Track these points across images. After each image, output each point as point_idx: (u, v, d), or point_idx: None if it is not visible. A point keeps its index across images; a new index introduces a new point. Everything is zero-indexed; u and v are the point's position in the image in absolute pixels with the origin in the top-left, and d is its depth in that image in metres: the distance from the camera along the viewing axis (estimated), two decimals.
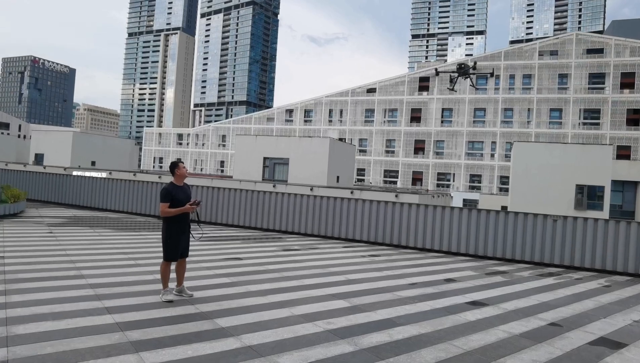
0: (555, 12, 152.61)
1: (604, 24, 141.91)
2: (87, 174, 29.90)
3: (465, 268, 10.69)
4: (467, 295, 7.91)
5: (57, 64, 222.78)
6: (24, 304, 5.69)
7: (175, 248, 6.30)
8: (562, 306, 7.57)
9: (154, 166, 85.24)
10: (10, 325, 4.92)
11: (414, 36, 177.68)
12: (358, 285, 8.08)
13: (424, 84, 66.69)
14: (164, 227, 6.36)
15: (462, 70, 22.54)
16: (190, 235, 6.59)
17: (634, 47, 57.38)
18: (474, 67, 23.18)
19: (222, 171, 78.44)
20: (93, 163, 43.17)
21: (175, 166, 6.42)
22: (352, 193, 27.01)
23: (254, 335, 5.14)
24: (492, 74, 26.18)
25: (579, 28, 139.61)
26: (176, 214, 6.22)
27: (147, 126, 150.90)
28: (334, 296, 7.17)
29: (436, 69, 27.85)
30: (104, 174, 32.12)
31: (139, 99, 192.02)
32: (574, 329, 6.30)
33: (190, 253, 9.96)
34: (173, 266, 6.48)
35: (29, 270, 7.58)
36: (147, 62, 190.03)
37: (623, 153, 55.97)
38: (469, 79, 24.16)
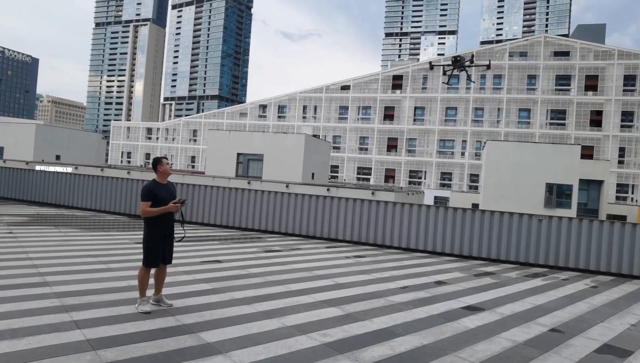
0: (524, 15, 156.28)
1: (569, 27, 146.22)
2: (52, 169, 28.43)
3: (452, 269, 10.43)
4: (461, 299, 7.60)
5: (19, 53, 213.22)
6: None
7: (157, 253, 5.71)
8: (557, 310, 7.35)
9: (122, 161, 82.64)
10: None
11: (387, 34, 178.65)
12: (348, 290, 7.65)
13: (397, 82, 67.01)
14: (145, 229, 5.77)
15: (458, 63, 22.33)
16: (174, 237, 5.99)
17: (597, 51, 59.21)
18: (471, 60, 23.02)
19: (193, 166, 76.74)
20: (58, 157, 41.29)
21: (158, 162, 5.84)
22: (328, 190, 26.63)
23: (245, 352, 4.63)
24: (488, 67, 26.36)
25: (546, 30, 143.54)
26: (158, 214, 5.62)
27: (115, 120, 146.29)
28: (325, 303, 6.72)
29: (430, 63, 27.75)
30: (69, 169, 30.64)
31: (107, 92, 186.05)
32: (576, 335, 6.06)
33: None
34: (153, 272, 5.88)
35: None
36: (116, 54, 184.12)
37: (586, 152, 57.71)
38: (464, 72, 24.13)
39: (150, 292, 5.98)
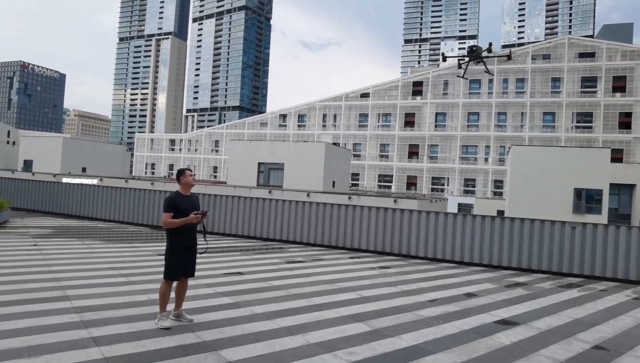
0: (546, 17, 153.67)
1: (594, 29, 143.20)
2: (77, 181, 28.93)
3: (482, 280, 10.00)
4: (493, 313, 7.21)
5: (47, 69, 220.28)
6: None
7: (178, 265, 5.56)
8: (599, 325, 6.89)
9: (145, 173, 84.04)
10: None
11: (407, 41, 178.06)
12: (373, 304, 7.34)
13: (417, 88, 66.45)
14: (167, 241, 5.64)
15: (474, 53, 21.37)
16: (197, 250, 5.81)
17: (625, 51, 57.54)
18: (489, 50, 21.88)
19: (215, 176, 77.47)
20: (84, 169, 42.15)
21: (181, 173, 5.74)
22: (349, 198, 26.34)
23: None
24: (509, 57, 25.12)
25: (570, 32, 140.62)
26: (180, 225, 5.47)
27: (139, 132, 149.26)
28: (350, 318, 6.43)
29: (443, 54, 26.77)
30: (94, 181, 31.17)
31: (131, 105, 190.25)
32: (623, 353, 5.62)
33: None
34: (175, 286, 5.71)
35: (6, 291, 6.74)
36: (139, 67, 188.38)
37: (616, 156, 55.95)
38: (482, 64, 22.86)
39: (170, 307, 5.81)
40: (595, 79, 58.53)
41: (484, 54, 20.30)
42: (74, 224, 15.78)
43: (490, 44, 19.79)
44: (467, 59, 20.19)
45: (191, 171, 5.85)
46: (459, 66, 21.79)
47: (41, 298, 6.48)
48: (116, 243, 12.24)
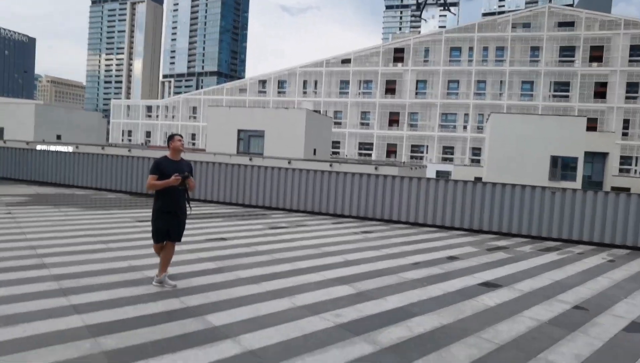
0: None
1: None
2: (52, 148, 28.03)
3: (464, 244, 10.13)
4: (476, 275, 7.30)
5: (15, 32, 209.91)
6: None
7: (159, 229, 5.60)
8: (578, 286, 7.05)
9: (122, 140, 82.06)
10: None
11: (388, 7, 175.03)
12: (358, 267, 7.35)
13: (398, 55, 65.68)
14: (153, 204, 5.72)
15: None
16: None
17: (603, 21, 57.72)
18: None
19: (193, 144, 76.17)
20: (58, 137, 40.87)
21: (170, 138, 5.75)
22: (331, 165, 26.25)
23: (255, 336, 4.33)
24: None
25: (550, 1, 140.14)
26: (161, 187, 5.49)
27: (115, 98, 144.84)
28: (336, 281, 6.42)
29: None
30: (70, 149, 30.24)
31: (106, 71, 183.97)
32: (602, 313, 5.76)
33: None
34: None
35: None
36: (113, 32, 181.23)
37: (590, 125, 57.03)
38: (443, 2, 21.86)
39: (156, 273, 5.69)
40: (573, 48, 58.75)
41: None
42: (49, 192, 15.31)
43: None
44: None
45: (181, 136, 5.80)
46: (418, 6, 20.50)
47: (17, 266, 6.26)
48: (94, 210, 11.93)
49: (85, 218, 10.58)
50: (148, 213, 11.83)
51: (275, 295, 5.64)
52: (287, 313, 5.04)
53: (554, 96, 59.46)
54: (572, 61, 58.66)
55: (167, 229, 5.59)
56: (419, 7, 18.63)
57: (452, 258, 8.56)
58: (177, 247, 7.68)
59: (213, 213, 12.71)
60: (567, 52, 59.18)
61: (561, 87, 59.56)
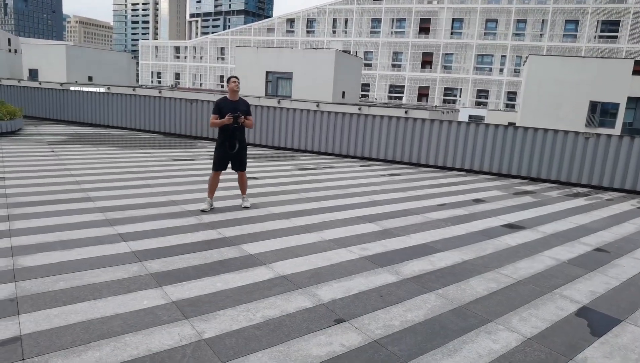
0: None
1: None
2: (85, 89, 28.67)
3: (490, 188, 10.18)
4: (500, 217, 7.44)
5: None
6: (29, 231, 5.18)
7: (218, 159, 6.51)
8: (602, 230, 7.12)
9: (152, 81, 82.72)
10: (16, 255, 4.44)
11: None
12: (384, 207, 7.58)
13: None
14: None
15: None
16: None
17: None
18: None
19: (222, 86, 76.13)
20: (90, 78, 41.60)
21: (228, 80, 6.48)
22: (360, 109, 26.02)
23: (286, 264, 4.68)
24: None
25: None
26: (218, 125, 6.36)
27: (143, 39, 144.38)
28: (362, 219, 6.69)
29: None
30: (102, 90, 30.86)
31: (132, 10, 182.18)
32: (623, 256, 5.87)
33: (202, 172, 9.46)
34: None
35: (32, 192, 7.03)
36: None
37: (638, 68, 53.85)
38: None
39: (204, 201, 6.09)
40: None
41: None
42: (86, 132, 15.93)
43: None
44: None
45: (236, 78, 6.43)
46: None
47: (65, 199, 6.76)
48: (131, 149, 12.44)
49: (124, 156, 11.09)
50: (182, 152, 12.32)
51: (305, 230, 5.96)
52: (315, 245, 5.36)
53: (601, 37, 55.85)
54: None
55: (225, 160, 6.49)
56: None
57: (477, 201, 8.69)
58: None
59: None
60: None
61: (609, 27, 55.71)
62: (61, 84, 33.82)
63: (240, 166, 6.68)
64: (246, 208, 6.80)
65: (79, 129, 16.67)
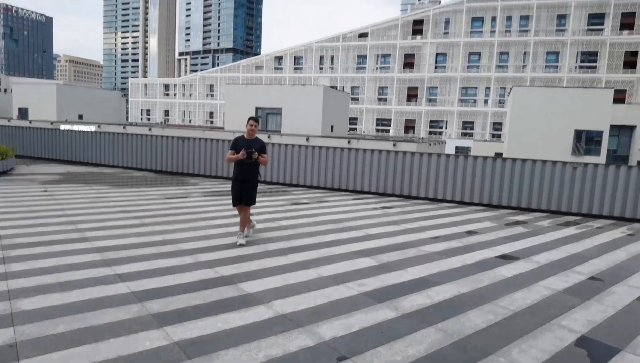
0: None
1: None
2: (76, 128, 28.75)
3: (482, 219, 10.32)
4: (494, 248, 7.53)
5: (32, 12, 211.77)
6: (27, 273, 5.15)
7: (233, 194, 6.99)
8: (595, 258, 7.24)
9: (141, 118, 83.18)
10: (14, 298, 4.40)
11: None
12: (379, 241, 7.65)
13: (417, 27, 64.44)
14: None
15: None
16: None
17: None
18: None
19: (211, 122, 76.80)
20: (80, 116, 41.77)
21: (247, 121, 6.93)
22: (349, 142, 26.42)
23: (286, 302, 4.69)
24: None
25: None
26: (233, 161, 6.89)
27: (132, 77, 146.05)
28: (358, 254, 6.73)
29: None
30: (92, 128, 31.00)
31: (122, 49, 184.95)
32: (617, 283, 5.97)
33: (196, 209, 9.49)
34: None
35: (27, 233, 6.99)
36: (128, 9, 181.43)
37: (618, 96, 55.43)
38: None
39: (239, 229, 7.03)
40: (602, 15, 56.66)
41: None
42: (79, 171, 15.92)
43: None
44: None
45: (255, 120, 6.91)
46: None
47: (62, 239, 6.73)
48: (124, 188, 12.44)
49: (118, 195, 11.08)
50: (175, 190, 12.35)
51: (302, 266, 5.98)
52: (313, 282, 5.38)
53: (581, 67, 57.79)
54: (601, 29, 56.68)
55: (239, 195, 6.89)
56: None
57: (471, 232, 8.79)
58: (205, 222, 8.20)
59: None
60: (595, 19, 57.13)
61: (588, 58, 57.76)
62: (51, 123, 33.92)
63: (249, 201, 6.98)
64: (241, 245, 6.82)
65: (71, 168, 16.65)
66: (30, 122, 34.35)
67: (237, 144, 6.84)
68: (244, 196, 6.89)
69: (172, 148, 16.24)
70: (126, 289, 4.82)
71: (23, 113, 41.33)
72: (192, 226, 8.02)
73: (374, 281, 5.53)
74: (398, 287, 5.36)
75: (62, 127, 29.39)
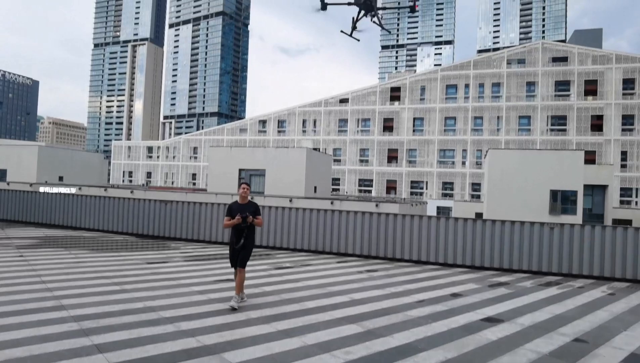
0: (521, 22, 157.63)
1: (565, 33, 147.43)
2: (55, 190, 28.40)
3: (466, 281, 10.34)
4: (478, 311, 7.52)
5: (20, 76, 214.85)
6: None
7: (230, 256, 7.19)
8: (577, 319, 7.27)
9: (123, 181, 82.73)
10: None
11: (384, 47, 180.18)
12: (364, 306, 7.57)
13: (395, 94, 67.33)
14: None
15: (364, 2, 14.41)
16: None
17: (595, 56, 59.54)
18: None
19: (194, 184, 76.79)
20: (61, 178, 41.38)
21: (239, 186, 7.30)
22: (332, 203, 26.63)
23: None
24: (412, 9, 16.38)
25: (543, 37, 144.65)
26: (229, 226, 7.05)
27: (116, 139, 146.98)
28: (343, 320, 6.64)
29: (322, 1, 15.04)
30: (73, 190, 30.68)
31: (107, 112, 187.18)
32: (601, 345, 5.98)
33: (177, 275, 9.34)
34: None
35: (0, 302, 6.74)
36: (115, 74, 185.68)
37: (589, 157, 57.69)
38: (376, 17, 15.15)
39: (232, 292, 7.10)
40: (568, 83, 60.28)
41: (380, 4, 14.64)
42: (58, 234, 15.58)
43: None
44: (359, 13, 14.44)
45: (246, 185, 7.24)
46: (353, 23, 14.94)
47: (37, 308, 6.50)
48: (104, 252, 12.18)
49: (97, 260, 10.83)
50: (156, 254, 12.15)
51: (286, 334, 5.86)
52: (299, 351, 5.27)
53: (552, 130, 60.50)
54: (568, 95, 60.02)
55: (235, 257, 7.04)
56: (354, 28, 13.78)
57: (455, 295, 8.79)
58: (187, 288, 8.06)
59: (218, 254, 12.93)
60: (562, 86, 60.66)
61: (558, 121, 60.67)
62: (30, 185, 33.50)
63: (242, 263, 7.09)
64: (232, 308, 6.83)
65: (50, 231, 16.30)
66: (8, 184, 33.87)
67: (232, 209, 7.07)
68: (239, 259, 7.05)
69: (153, 211, 16.13)
70: (104, 361, 4.64)
71: (1, 174, 40.80)
72: (174, 292, 7.85)
73: (360, 348, 5.44)
74: (385, 354, 5.28)
75: (41, 189, 29.02)
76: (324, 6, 14.77)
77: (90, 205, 17.36)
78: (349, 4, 14.56)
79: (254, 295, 7.97)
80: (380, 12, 14.45)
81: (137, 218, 16.43)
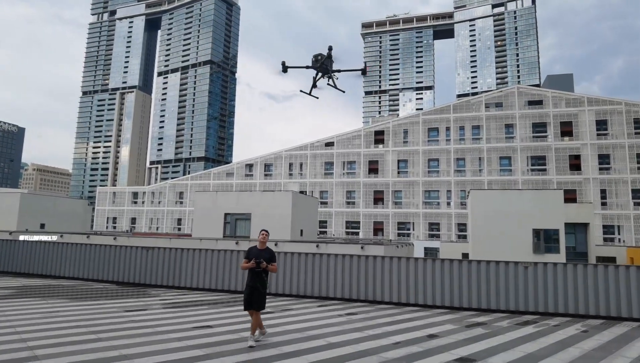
0: (496, 68, 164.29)
1: (539, 78, 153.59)
2: (36, 238, 28.01)
3: (444, 322, 10.45)
4: (452, 352, 7.63)
5: (5, 123, 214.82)
6: None
7: (244, 298, 7.79)
8: (549, 357, 7.42)
9: (107, 227, 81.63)
10: None
11: (367, 93, 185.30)
12: (340, 349, 7.65)
13: (379, 137, 68.89)
14: None
15: (320, 63, 15.17)
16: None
17: (568, 99, 62.13)
18: (329, 55, 15.26)
19: (179, 229, 76.11)
20: (42, 226, 40.81)
21: (260, 233, 8.09)
22: (317, 246, 26.66)
23: None
24: (364, 72, 16.40)
25: (519, 81, 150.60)
26: (245, 269, 7.78)
27: (101, 185, 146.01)
28: None
29: (283, 63, 16.02)
30: (54, 238, 30.27)
31: (93, 158, 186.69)
32: None
33: (155, 322, 9.32)
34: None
35: None
36: (102, 121, 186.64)
37: (570, 196, 58.94)
38: (331, 80, 15.76)
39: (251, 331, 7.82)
40: (545, 124, 62.44)
41: (336, 66, 15.39)
42: (36, 284, 15.36)
43: (330, 48, 14.89)
44: (317, 75, 15.39)
45: (266, 232, 8.06)
46: (313, 84, 15.84)
47: (9, 359, 6.46)
48: (82, 301, 12.06)
49: (74, 310, 10.73)
50: (134, 302, 12.08)
51: None
52: None
53: (532, 170, 62.00)
54: (545, 136, 61.99)
55: (250, 299, 7.62)
56: (314, 86, 14.46)
57: (431, 336, 8.89)
58: (165, 335, 8.06)
59: (198, 301, 12.87)
60: (539, 128, 62.74)
61: (538, 161, 62.30)
62: (10, 233, 32.96)
63: (258, 306, 7.71)
64: (251, 347, 7.43)
65: (28, 281, 16.06)
66: None
67: (250, 253, 7.79)
68: (253, 302, 7.63)
69: (135, 258, 16.06)
70: None
71: None
72: (150, 340, 7.84)
73: None
74: None
75: (21, 237, 28.60)
76: (284, 69, 15.85)
77: (71, 253, 17.22)
78: (307, 67, 15.57)
79: (232, 341, 7.99)
80: (335, 74, 15.59)
81: (118, 265, 16.32)
